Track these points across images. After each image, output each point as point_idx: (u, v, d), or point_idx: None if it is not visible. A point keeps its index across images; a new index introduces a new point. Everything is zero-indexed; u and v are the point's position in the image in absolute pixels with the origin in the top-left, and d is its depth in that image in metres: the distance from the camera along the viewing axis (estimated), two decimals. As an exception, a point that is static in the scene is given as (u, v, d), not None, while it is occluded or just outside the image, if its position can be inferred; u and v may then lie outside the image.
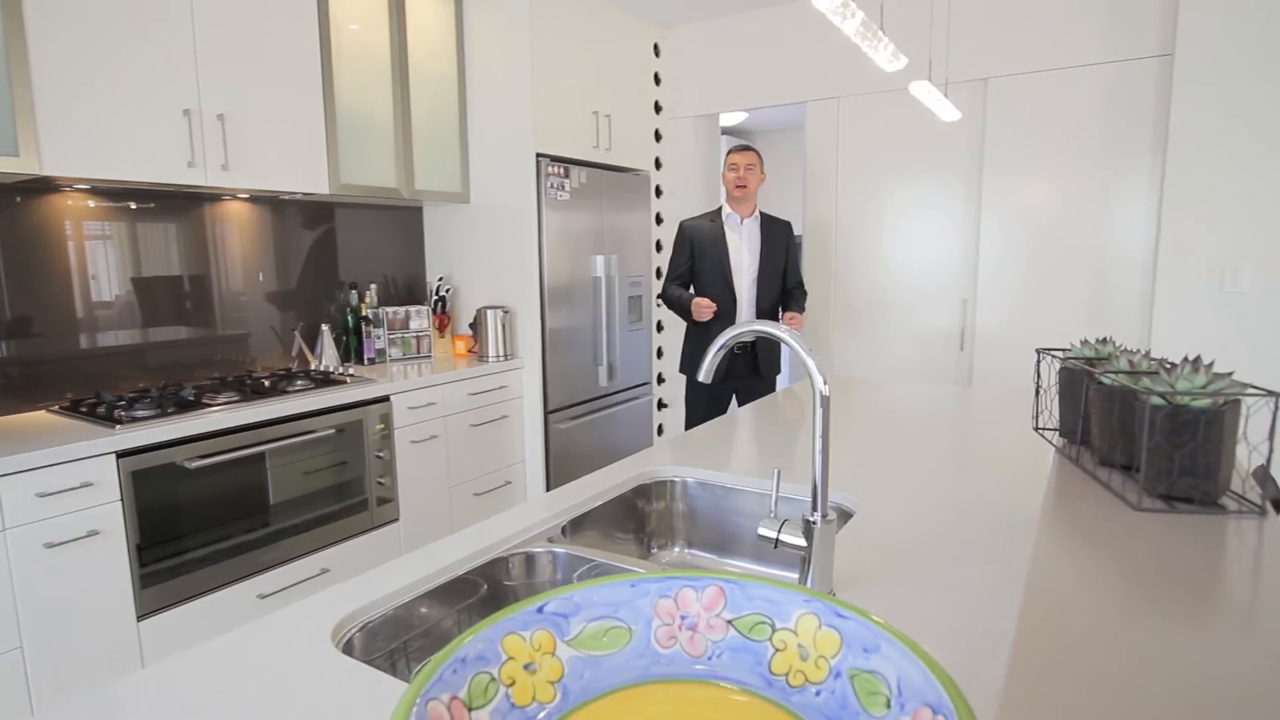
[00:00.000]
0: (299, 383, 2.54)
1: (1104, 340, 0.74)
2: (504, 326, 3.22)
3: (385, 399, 2.66)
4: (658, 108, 3.98)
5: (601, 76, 3.54)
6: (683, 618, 0.55)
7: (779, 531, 1.00)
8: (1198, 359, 0.58)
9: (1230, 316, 2.76)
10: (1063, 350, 0.75)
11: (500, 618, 0.51)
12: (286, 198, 2.84)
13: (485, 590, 1.14)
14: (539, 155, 3.16)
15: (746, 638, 0.53)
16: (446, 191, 3.21)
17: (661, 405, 4.26)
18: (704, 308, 2.87)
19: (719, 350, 1.07)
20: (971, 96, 3.25)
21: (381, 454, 2.66)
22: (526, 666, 0.50)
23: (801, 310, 3.03)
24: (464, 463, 3.01)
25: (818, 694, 0.49)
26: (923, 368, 3.57)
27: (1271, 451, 0.55)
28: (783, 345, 3.00)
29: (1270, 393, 0.55)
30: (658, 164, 4.05)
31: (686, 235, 3.04)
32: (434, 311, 3.33)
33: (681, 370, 3.22)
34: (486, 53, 3.19)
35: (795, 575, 1.44)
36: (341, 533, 2.54)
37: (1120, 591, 0.47)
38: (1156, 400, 0.57)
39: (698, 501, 1.56)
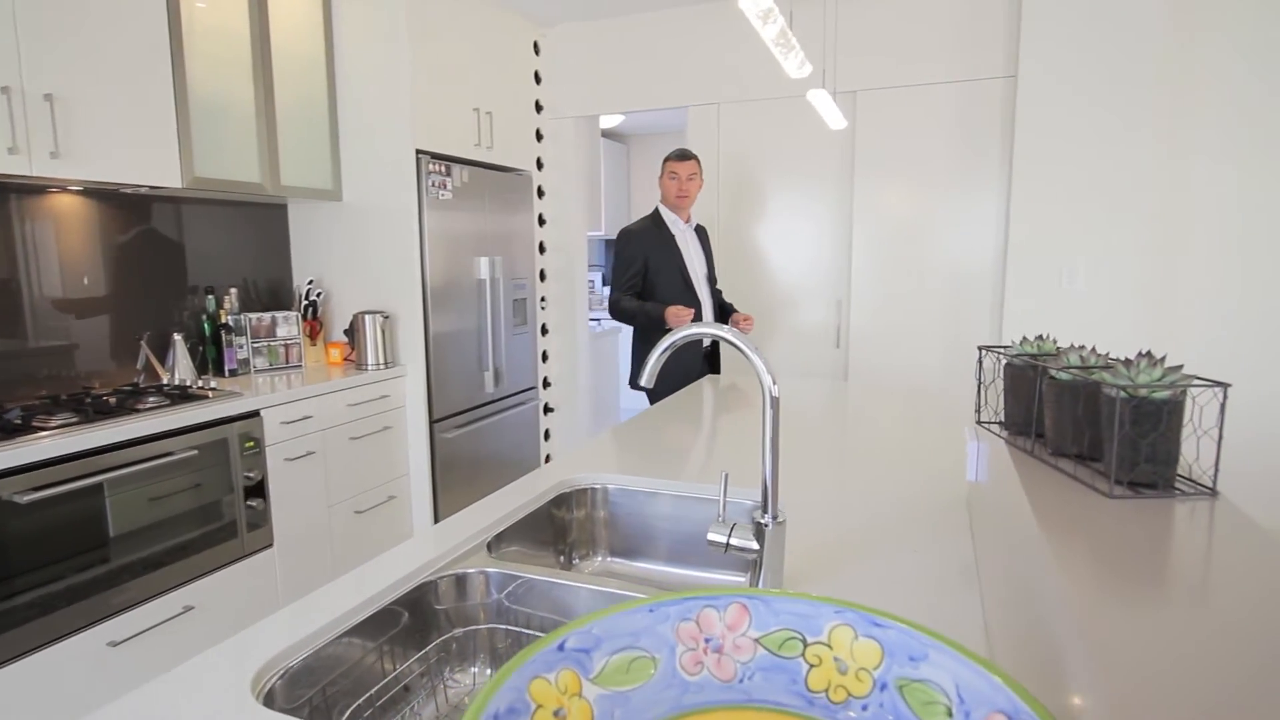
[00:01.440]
0: (151, 399, 2.26)
1: (1041, 337, 0.78)
2: (384, 332, 3.03)
3: (255, 414, 2.42)
4: (538, 107, 3.91)
5: (482, 72, 3.43)
6: (707, 640, 0.52)
7: (729, 535, 0.99)
8: (1149, 353, 0.61)
9: (1068, 310, 3.08)
10: (1004, 347, 0.78)
11: (522, 661, 0.46)
12: (130, 191, 2.52)
13: (409, 619, 1.05)
14: (419, 152, 3.00)
15: (777, 655, 0.51)
16: (316, 188, 2.98)
17: (548, 410, 4.18)
18: (682, 314, 2.72)
19: (661, 355, 1.05)
20: (843, 107, 3.43)
21: (251, 474, 2.42)
22: (556, 713, 0.45)
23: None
24: (344, 479, 2.80)
25: (864, 708, 0.47)
26: (802, 364, 3.73)
27: (1221, 437, 0.60)
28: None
29: (1219, 383, 0.59)
30: (539, 164, 3.97)
31: (637, 243, 2.91)
32: (304, 318, 3.08)
33: (633, 384, 3.08)
34: (359, 41, 2.99)
35: (727, 578, 1.44)
36: (207, 565, 2.28)
37: (1101, 571, 0.49)
38: (1121, 393, 0.60)
39: (619, 508, 1.53)
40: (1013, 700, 0.41)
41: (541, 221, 4.03)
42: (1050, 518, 0.59)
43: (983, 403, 0.91)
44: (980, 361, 0.86)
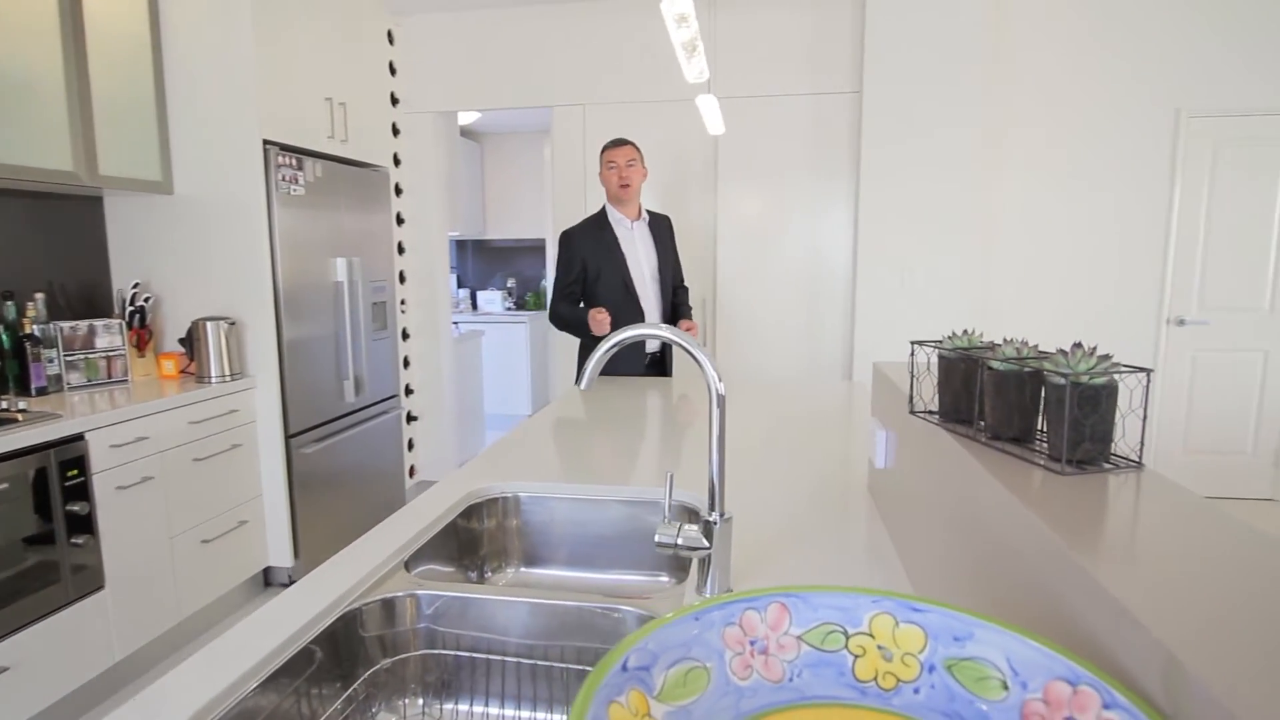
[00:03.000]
0: (-60, 427, 1.90)
1: (968, 332, 0.85)
2: (229, 340, 2.74)
3: (78, 438, 2.10)
4: (394, 100, 3.71)
5: (334, 60, 3.19)
6: (752, 643, 0.51)
7: (678, 535, 0.99)
8: (1081, 344, 0.69)
9: (910, 307, 3.39)
10: (936, 342, 0.84)
11: (594, 688, 0.43)
12: (-103, 178, 2.10)
13: (333, 654, 0.96)
14: (267, 143, 2.75)
15: (821, 650, 0.51)
16: (141, 179, 2.64)
17: (411, 419, 3.98)
18: (600, 320, 2.52)
19: (599, 359, 1.03)
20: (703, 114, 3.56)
21: (75, 508, 2.10)
22: None
23: (690, 313, 2.87)
24: (188, 505, 2.50)
25: (916, 691, 0.49)
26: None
27: (1146, 417, 0.69)
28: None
29: (1144, 369, 0.67)
30: (396, 161, 3.77)
31: (575, 246, 2.68)
32: (129, 326, 2.71)
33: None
34: (193, 19, 2.68)
35: (649, 579, 1.44)
36: (23, 617, 1.95)
37: (1086, 531, 0.55)
38: (1068, 381, 0.66)
39: (531, 516, 1.49)
40: (1069, 666, 0.44)
41: (400, 221, 3.82)
42: (1020, 490, 0.64)
43: (916, 394, 0.97)
44: (913, 356, 0.92)
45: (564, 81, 3.68)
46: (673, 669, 0.48)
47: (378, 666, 1.02)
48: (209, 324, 2.70)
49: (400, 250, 3.83)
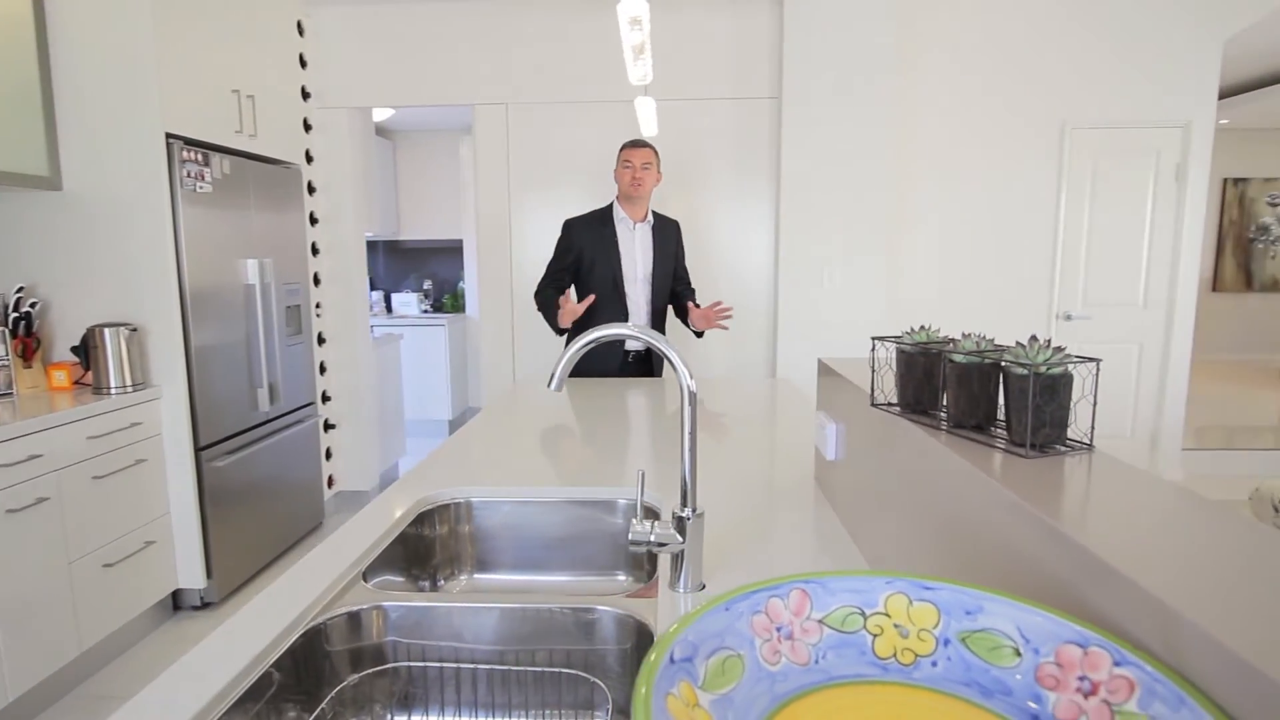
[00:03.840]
0: None
1: (924, 327, 0.90)
2: (130, 348, 2.56)
3: (-39, 458, 1.91)
4: (305, 94, 3.54)
5: (241, 50, 3.02)
6: (778, 629, 0.53)
7: (652, 532, 1.00)
8: (1036, 337, 0.75)
9: (830, 305, 3.53)
10: (896, 337, 0.89)
11: (652, 680, 0.44)
12: None
13: (296, 674, 0.92)
14: (170, 137, 2.57)
15: (841, 632, 0.54)
16: (22, 173, 2.42)
17: (329, 427, 3.82)
18: (569, 312, 2.54)
19: (569, 359, 1.03)
20: (635, 114, 3.58)
21: (-41, 535, 1.91)
22: None
23: (694, 296, 2.87)
24: (88, 527, 2.32)
25: (934, 664, 0.52)
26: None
27: (1096, 403, 0.75)
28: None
29: (1093, 359, 0.74)
30: (309, 158, 3.61)
31: (574, 235, 2.71)
32: (13, 334, 2.48)
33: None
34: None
35: (605, 578, 1.45)
36: (-100, 659, 1.76)
37: (1063, 506, 0.61)
38: (1030, 371, 0.72)
39: (484, 520, 1.46)
40: (1077, 630, 0.48)
41: (313, 220, 3.66)
42: (992, 470, 0.69)
43: (876, 387, 1.02)
44: (874, 351, 0.97)
45: (487, 80, 3.62)
46: (711, 658, 0.49)
47: (344, 684, 0.98)
48: (106, 330, 2.50)
49: (314, 251, 3.66)
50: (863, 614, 0.54)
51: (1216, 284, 8.16)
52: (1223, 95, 5.59)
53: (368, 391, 3.92)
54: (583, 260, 2.71)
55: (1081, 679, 0.46)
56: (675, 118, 3.57)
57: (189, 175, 2.65)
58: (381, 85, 3.65)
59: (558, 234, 2.78)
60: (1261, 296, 8.19)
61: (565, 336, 2.76)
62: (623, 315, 2.71)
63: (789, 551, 1.13)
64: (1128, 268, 3.91)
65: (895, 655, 0.53)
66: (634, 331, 1.01)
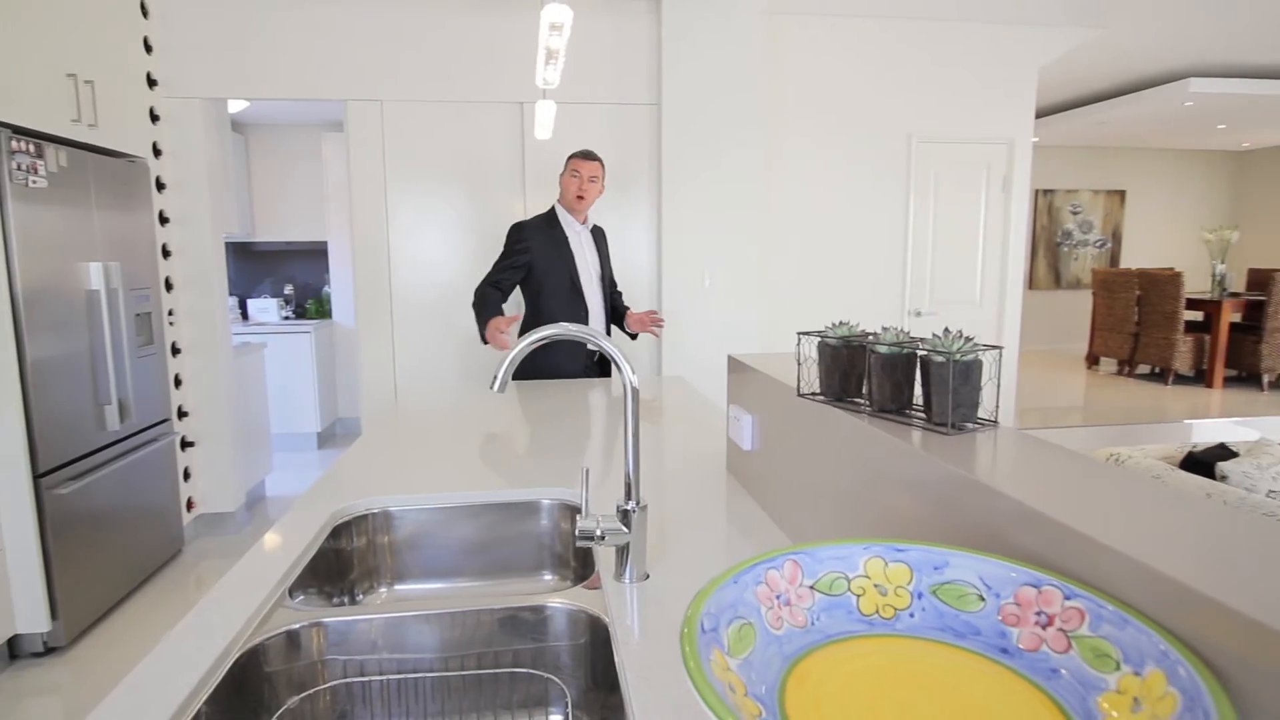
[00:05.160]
0: None
1: (842, 323, 1.00)
2: (-51, 365, 2.24)
3: None
4: (151, 81, 3.24)
5: (77, 30, 2.72)
6: (778, 597, 0.59)
7: (600, 527, 1.03)
8: (947, 329, 0.85)
9: (711, 305, 3.68)
10: (820, 333, 0.98)
11: (694, 652, 0.48)
12: None
13: (235, 700, 0.87)
14: (-5, 124, 2.28)
15: (830, 595, 0.60)
16: None
17: (187, 445, 3.51)
18: (499, 331, 2.44)
19: (512, 360, 1.03)
20: (523, 120, 3.56)
21: None
22: (731, 689, 0.48)
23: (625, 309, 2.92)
24: (-96, 573, 2.01)
25: (912, 615, 0.59)
26: (482, 370, 3.77)
27: (999, 387, 0.87)
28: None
29: (997, 347, 0.85)
30: (157, 151, 3.30)
31: (525, 238, 2.69)
32: None
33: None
34: (-128, -39, 2.14)
35: (531, 579, 1.45)
36: None
37: (966, 471, 0.71)
38: (947, 360, 0.82)
39: (403, 530, 1.42)
40: (1030, 574, 0.56)
41: (164, 220, 3.35)
42: (922, 445, 0.79)
43: (802, 379, 1.11)
44: (799, 345, 1.05)
45: (360, 75, 3.47)
46: (730, 626, 0.54)
47: (285, 707, 0.93)
48: (-81, 345, 2.18)
49: (165, 254, 3.35)
50: (847, 578, 0.61)
51: (1031, 283, 9.25)
52: (1036, 116, 6.35)
53: (229, 405, 3.64)
54: (536, 265, 2.71)
55: (1039, 614, 0.54)
56: (561, 120, 3.58)
57: (19, 168, 2.35)
58: (239, 75, 3.40)
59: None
60: (1068, 293, 9.39)
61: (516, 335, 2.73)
62: (583, 316, 2.75)
63: (719, 537, 1.20)
64: (965, 269, 4.36)
65: (878, 611, 0.59)
66: (576, 331, 1.04)
